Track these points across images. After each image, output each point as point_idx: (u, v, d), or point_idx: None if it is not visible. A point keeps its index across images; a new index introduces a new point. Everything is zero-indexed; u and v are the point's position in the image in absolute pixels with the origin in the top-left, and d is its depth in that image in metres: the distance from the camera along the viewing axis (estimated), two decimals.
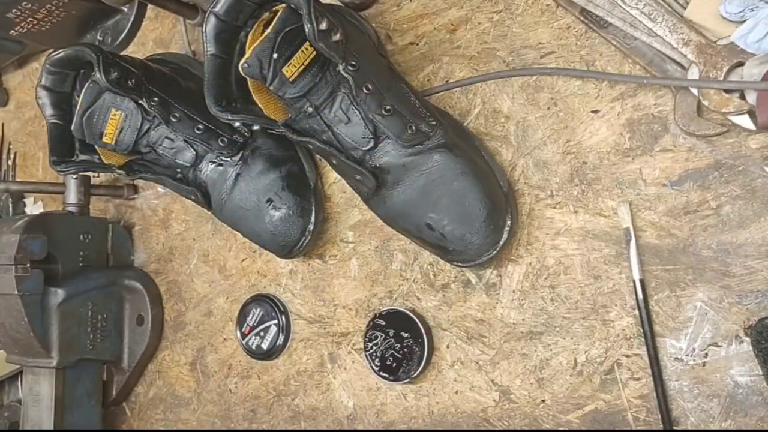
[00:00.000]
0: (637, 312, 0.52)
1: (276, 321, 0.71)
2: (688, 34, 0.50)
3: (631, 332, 0.53)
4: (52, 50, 0.65)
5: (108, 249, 0.82)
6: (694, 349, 0.51)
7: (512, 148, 0.60)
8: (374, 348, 0.63)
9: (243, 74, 0.54)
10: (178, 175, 0.67)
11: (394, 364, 0.62)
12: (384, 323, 0.63)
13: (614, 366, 0.54)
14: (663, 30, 0.51)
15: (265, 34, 0.53)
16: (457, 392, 0.61)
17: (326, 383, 0.69)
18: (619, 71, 0.55)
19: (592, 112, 0.56)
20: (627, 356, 0.53)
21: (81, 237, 0.78)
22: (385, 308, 0.63)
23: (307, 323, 0.71)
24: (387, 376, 0.62)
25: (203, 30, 0.55)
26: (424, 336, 0.61)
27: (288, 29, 0.53)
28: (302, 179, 0.68)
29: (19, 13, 0.81)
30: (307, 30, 0.50)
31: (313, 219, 0.66)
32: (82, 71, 0.66)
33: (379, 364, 0.63)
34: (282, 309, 0.72)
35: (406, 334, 0.62)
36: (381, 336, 0.63)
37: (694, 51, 0.50)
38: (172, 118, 0.65)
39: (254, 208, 0.65)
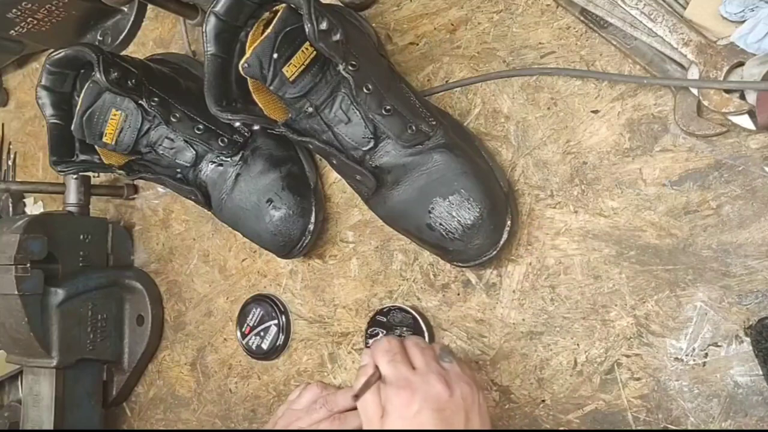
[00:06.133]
0: (636, 312, 0.52)
1: (276, 321, 0.71)
2: (688, 34, 0.50)
3: (631, 332, 0.53)
4: (52, 50, 0.65)
5: (108, 249, 0.82)
6: (694, 349, 0.51)
7: (512, 148, 0.60)
8: None
9: (243, 74, 0.54)
10: (178, 175, 0.67)
11: None
12: (385, 320, 0.63)
13: (614, 366, 0.54)
14: (663, 30, 0.51)
15: (266, 34, 0.53)
16: None
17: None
18: (619, 71, 0.55)
19: (592, 112, 0.56)
20: (627, 356, 0.53)
21: (81, 237, 0.78)
22: (387, 305, 0.63)
23: (307, 323, 0.71)
24: None
25: (203, 30, 0.55)
26: (425, 333, 0.61)
27: (288, 29, 0.53)
28: (302, 179, 0.68)
29: (19, 13, 0.81)
30: (307, 30, 0.50)
31: (313, 219, 0.66)
32: (82, 71, 0.66)
33: None
34: (282, 309, 0.72)
35: (408, 331, 0.62)
36: (383, 332, 0.63)
37: (694, 51, 0.50)
38: (172, 118, 0.65)
39: (254, 208, 0.65)
